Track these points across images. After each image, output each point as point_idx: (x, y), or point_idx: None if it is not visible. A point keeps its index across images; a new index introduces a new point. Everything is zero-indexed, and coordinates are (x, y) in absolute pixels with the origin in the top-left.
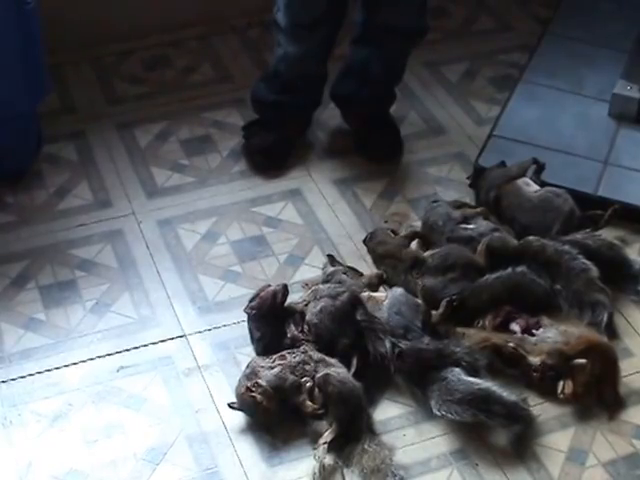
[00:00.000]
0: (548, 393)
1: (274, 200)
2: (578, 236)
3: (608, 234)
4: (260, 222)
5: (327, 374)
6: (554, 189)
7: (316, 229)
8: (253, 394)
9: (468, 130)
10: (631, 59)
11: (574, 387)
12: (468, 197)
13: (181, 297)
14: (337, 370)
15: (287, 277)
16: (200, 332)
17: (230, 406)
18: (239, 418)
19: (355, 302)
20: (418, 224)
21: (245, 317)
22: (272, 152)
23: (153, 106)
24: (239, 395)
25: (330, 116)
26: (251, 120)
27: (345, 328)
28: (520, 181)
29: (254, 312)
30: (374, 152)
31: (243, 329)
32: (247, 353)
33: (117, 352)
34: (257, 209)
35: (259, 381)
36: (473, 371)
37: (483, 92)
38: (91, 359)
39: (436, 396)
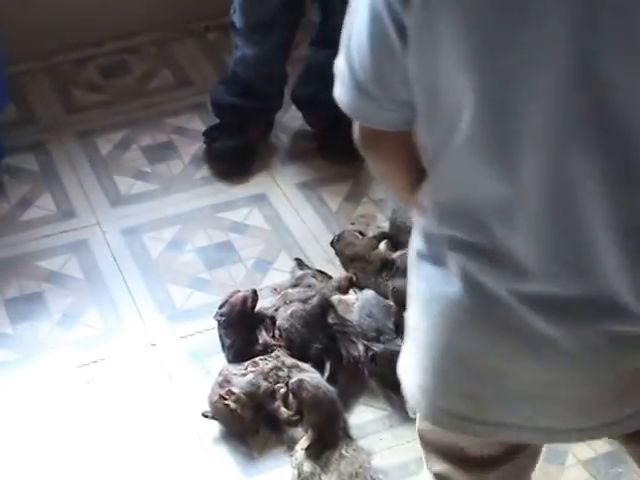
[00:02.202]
0: None
1: (239, 205)
2: None
3: None
4: (226, 228)
5: (301, 380)
6: None
7: (283, 233)
8: (227, 402)
9: None
10: None
11: None
12: None
13: (149, 306)
14: (311, 375)
15: (256, 283)
16: (170, 341)
17: (204, 415)
18: (213, 427)
19: (326, 306)
20: (386, 225)
21: (215, 325)
22: (235, 157)
23: (113, 114)
24: (212, 403)
25: (292, 118)
26: (212, 125)
27: (317, 332)
28: None
29: (224, 319)
30: (338, 154)
31: (213, 337)
32: (218, 361)
33: (87, 364)
34: (222, 215)
35: (232, 389)
36: None
37: None
38: (59, 372)
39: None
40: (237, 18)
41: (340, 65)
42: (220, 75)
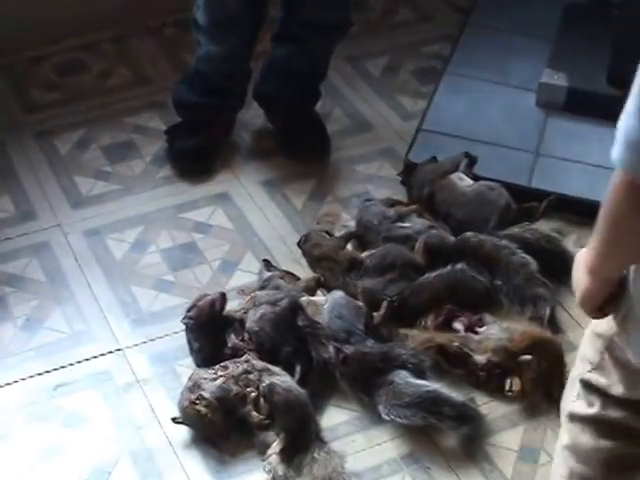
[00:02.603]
0: (494, 391)
1: (202, 205)
2: (516, 230)
3: (544, 226)
4: (190, 228)
5: (272, 383)
6: (489, 183)
7: (248, 233)
8: (197, 407)
9: (395, 125)
10: (556, 47)
11: (522, 384)
12: (400, 194)
13: (115, 310)
14: (282, 379)
15: (222, 284)
16: (137, 345)
17: (174, 420)
18: (183, 432)
19: (296, 308)
20: (351, 224)
21: (182, 327)
22: (197, 156)
23: (71, 113)
24: (183, 409)
25: (253, 116)
26: (174, 124)
27: (287, 335)
28: (453, 176)
29: (192, 322)
30: (301, 152)
31: (181, 340)
32: (186, 365)
33: (53, 370)
34: (185, 215)
35: (203, 393)
36: (419, 373)
37: (407, 86)
38: (25, 379)
39: (384, 401)
40: (200, 15)
41: (632, 134)
42: (179, 72)
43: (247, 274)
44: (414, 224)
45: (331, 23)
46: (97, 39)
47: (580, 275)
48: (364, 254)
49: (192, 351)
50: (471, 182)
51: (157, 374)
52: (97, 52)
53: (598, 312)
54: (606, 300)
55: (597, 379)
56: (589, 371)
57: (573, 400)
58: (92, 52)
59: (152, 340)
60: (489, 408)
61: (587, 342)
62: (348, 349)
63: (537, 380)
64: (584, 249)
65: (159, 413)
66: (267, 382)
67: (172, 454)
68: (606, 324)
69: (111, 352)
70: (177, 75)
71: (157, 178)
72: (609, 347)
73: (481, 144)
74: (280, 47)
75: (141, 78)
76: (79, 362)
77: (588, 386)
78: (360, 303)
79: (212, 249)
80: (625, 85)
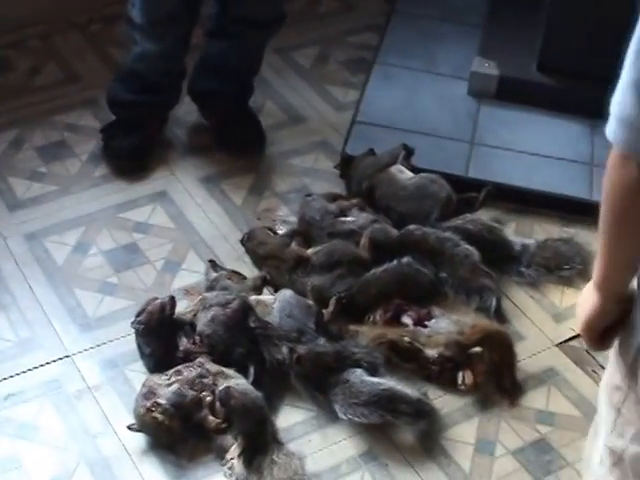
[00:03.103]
0: (447, 385)
1: (141, 204)
2: (458, 221)
3: (483, 216)
4: (130, 228)
5: (228, 387)
6: (429, 175)
7: (189, 232)
8: (154, 414)
9: (328, 117)
10: (485, 35)
11: (474, 377)
12: (338, 187)
13: (60, 315)
14: (237, 382)
15: (166, 285)
16: (85, 350)
17: (130, 428)
18: (139, 439)
19: (246, 309)
20: (292, 219)
21: (130, 330)
22: (134, 154)
23: (0, 113)
24: (139, 416)
25: (186, 112)
26: (109, 122)
27: (239, 337)
28: (393, 169)
29: (142, 327)
30: (237, 147)
31: (130, 344)
32: (137, 369)
33: (2, 379)
34: (125, 215)
35: (158, 400)
36: (373, 370)
37: (337, 76)
38: None
39: (340, 400)
40: (136, 14)
41: (625, 107)
42: (108, 68)
43: (191, 274)
44: (357, 218)
45: (265, 18)
46: (23, 36)
47: (586, 297)
48: (310, 251)
49: (143, 356)
50: (411, 174)
51: (108, 380)
52: (23, 50)
53: (600, 340)
54: (609, 328)
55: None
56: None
57: (597, 464)
58: (18, 50)
59: (100, 345)
60: (443, 402)
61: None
62: (301, 349)
63: (489, 372)
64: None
65: (113, 420)
66: (223, 386)
67: (129, 462)
68: (619, 374)
69: (60, 359)
70: (106, 71)
71: (94, 177)
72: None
73: (416, 135)
74: (214, 43)
75: (70, 75)
76: (28, 370)
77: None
78: (310, 301)
79: (154, 249)
80: (555, 72)
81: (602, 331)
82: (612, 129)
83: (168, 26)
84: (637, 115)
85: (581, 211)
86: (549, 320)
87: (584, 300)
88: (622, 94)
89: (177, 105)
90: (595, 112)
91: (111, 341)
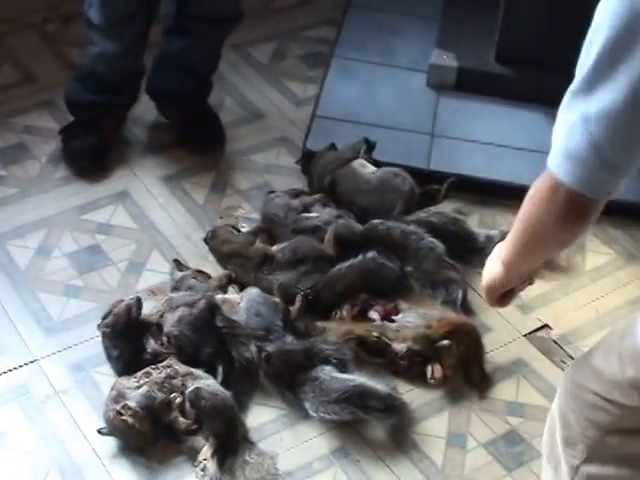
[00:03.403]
0: (416, 379)
1: (103, 205)
2: (422, 214)
3: (446, 208)
4: (92, 230)
5: (198, 388)
6: (392, 169)
7: (152, 232)
8: (124, 417)
9: (287, 112)
10: (442, 27)
11: (443, 370)
12: (300, 183)
13: (25, 319)
14: (207, 382)
15: (131, 286)
16: (51, 355)
17: (100, 432)
18: (110, 442)
19: (213, 308)
20: (255, 216)
21: (95, 333)
22: (94, 154)
23: None
24: (109, 420)
25: (144, 111)
26: (68, 123)
27: (207, 337)
28: (355, 163)
29: (109, 330)
30: (197, 145)
31: (96, 346)
32: (105, 372)
33: None
34: (87, 216)
35: (128, 403)
36: (342, 366)
37: (295, 71)
38: None
39: (311, 397)
40: (94, 14)
41: (575, 147)
42: (64, 68)
43: (156, 274)
44: (321, 214)
45: (222, 15)
46: None
47: (493, 264)
48: (274, 248)
49: (111, 358)
50: (373, 168)
51: (76, 384)
52: None
53: (500, 300)
54: (510, 291)
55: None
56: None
57: None
58: None
59: (67, 349)
60: (412, 396)
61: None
62: (270, 347)
63: (457, 365)
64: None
65: (82, 424)
66: (192, 387)
67: (100, 466)
68: None
69: (26, 364)
70: (63, 71)
71: (54, 179)
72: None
73: (377, 128)
74: (172, 41)
75: (26, 76)
76: None
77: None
78: (276, 299)
79: (117, 250)
80: (513, 62)
81: (501, 294)
82: (558, 162)
83: (126, 26)
84: (588, 150)
85: None
86: (515, 311)
87: (490, 267)
88: (570, 129)
89: (136, 104)
90: (554, 101)
91: (77, 344)
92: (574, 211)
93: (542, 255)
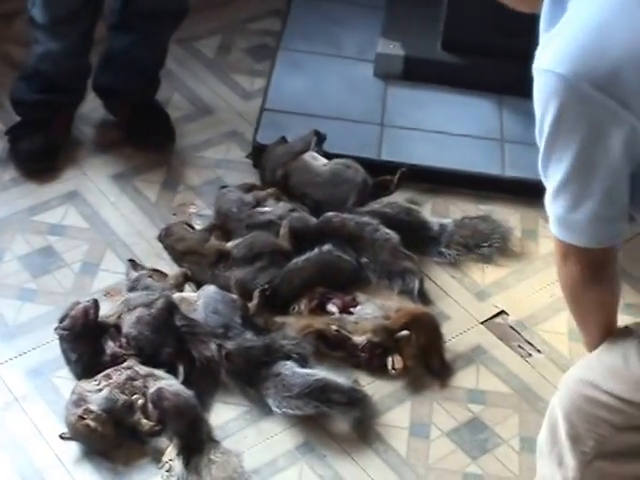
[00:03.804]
0: (377, 371)
1: (53, 206)
2: (375, 205)
3: (399, 198)
4: (44, 231)
5: (160, 389)
6: (343, 160)
7: (104, 231)
8: (86, 422)
9: (236, 106)
10: (388, 16)
11: (403, 361)
12: (253, 177)
13: None
14: (169, 382)
15: (86, 287)
16: (9, 360)
17: (62, 437)
18: (72, 447)
19: (171, 307)
20: (208, 212)
21: (53, 337)
22: (42, 155)
23: None
24: (71, 425)
25: (92, 109)
26: (14, 123)
27: (166, 336)
28: (306, 156)
29: (67, 333)
30: (146, 142)
31: (54, 350)
32: (64, 376)
33: None
34: (38, 218)
35: (89, 407)
36: (303, 361)
37: (242, 65)
38: None
39: (273, 393)
40: (37, 13)
41: (581, 224)
42: (8, 67)
43: (111, 274)
44: (275, 208)
45: (168, 10)
46: None
47: None
48: (229, 244)
49: (69, 362)
50: (325, 161)
51: (35, 389)
52: None
53: None
54: None
55: None
56: None
57: None
58: None
59: (24, 354)
60: (374, 388)
61: None
62: (230, 344)
63: (417, 355)
64: None
65: (44, 430)
66: (154, 388)
67: (64, 471)
68: None
69: None
70: (6, 70)
71: (3, 181)
72: None
73: (326, 120)
74: (118, 37)
75: None
76: None
77: None
78: (234, 296)
79: (70, 251)
80: (460, 50)
81: None
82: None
83: (70, 24)
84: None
85: (495, 187)
86: (472, 299)
87: None
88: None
89: (83, 102)
90: (501, 88)
91: (35, 349)
92: (594, 267)
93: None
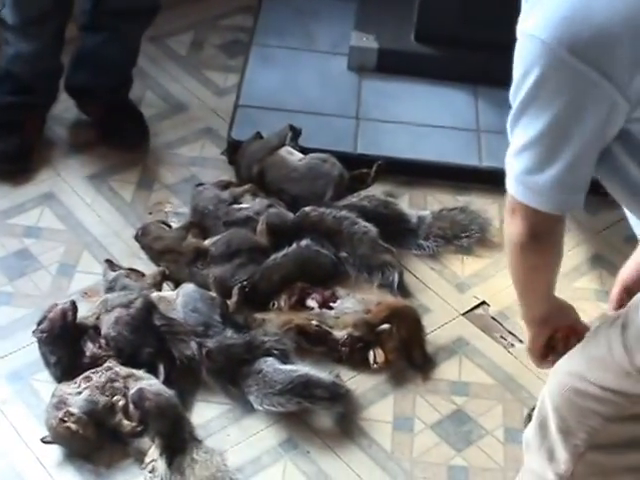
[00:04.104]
0: (358, 365)
1: (28, 208)
2: (353, 199)
3: (376, 191)
4: (20, 234)
5: (141, 389)
6: (319, 155)
7: (80, 232)
8: (67, 424)
9: (210, 103)
10: (361, 9)
11: (385, 354)
12: (228, 174)
13: None
14: (149, 382)
15: (63, 289)
16: None
17: (43, 441)
18: (54, 450)
19: (150, 307)
20: (184, 210)
21: (31, 340)
22: (16, 157)
23: None
24: (52, 428)
25: (64, 109)
26: None
27: (145, 336)
28: (282, 151)
29: (45, 335)
30: (120, 141)
31: (33, 353)
32: (44, 379)
33: None
34: (13, 220)
35: (70, 409)
36: (284, 357)
37: (215, 61)
38: None
39: (255, 391)
40: (8, 14)
41: (541, 186)
42: None
43: (88, 275)
44: (251, 205)
45: (139, 9)
46: None
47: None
48: (207, 242)
49: (49, 365)
50: (301, 155)
51: (14, 393)
52: None
53: (544, 361)
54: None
55: None
56: None
57: None
58: None
59: (2, 357)
60: (356, 382)
61: None
62: (210, 343)
63: (398, 348)
64: None
65: (25, 434)
66: (135, 388)
67: (46, 475)
68: None
69: None
70: None
71: None
72: None
73: (301, 114)
74: (90, 37)
75: None
76: None
77: None
78: (213, 294)
79: (47, 253)
80: (433, 41)
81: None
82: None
83: (41, 24)
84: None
85: (473, 178)
86: (452, 290)
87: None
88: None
89: (55, 103)
90: (476, 78)
91: (13, 352)
92: (544, 228)
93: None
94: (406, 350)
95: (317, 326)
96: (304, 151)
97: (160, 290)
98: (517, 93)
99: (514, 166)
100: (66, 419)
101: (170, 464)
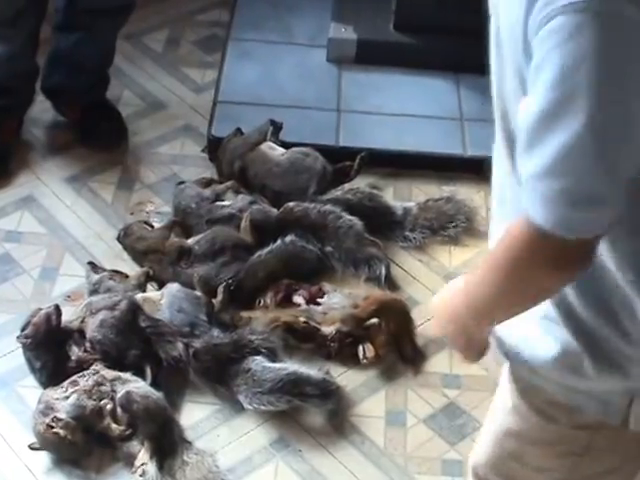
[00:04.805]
0: (348, 361)
1: (8, 212)
2: (337, 193)
3: (360, 184)
4: (0, 238)
5: (128, 392)
6: (301, 149)
7: (62, 235)
8: (55, 430)
9: (188, 100)
10: (338, 0)
11: (375, 349)
12: (210, 171)
13: None
14: (137, 385)
15: (46, 293)
16: None
17: (31, 447)
18: (42, 457)
19: (135, 309)
20: (166, 209)
21: (15, 346)
22: None
23: None
24: (39, 434)
25: (41, 110)
26: None
27: (131, 338)
28: (264, 146)
29: (29, 340)
30: (99, 141)
31: (17, 359)
32: (29, 384)
33: None
34: None
35: (58, 415)
36: (273, 355)
37: (192, 57)
38: None
39: (244, 390)
40: None
41: (548, 190)
42: None
43: (71, 278)
44: (234, 202)
45: (114, 7)
46: None
47: (463, 321)
48: (190, 241)
49: (34, 370)
50: (282, 150)
51: (0, 400)
52: None
53: (480, 355)
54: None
55: None
56: None
57: None
58: None
59: None
60: (347, 378)
61: None
62: (197, 343)
63: (388, 342)
64: (457, 285)
65: (12, 441)
66: (122, 391)
67: None
68: None
69: None
70: None
71: None
72: None
73: (281, 108)
74: (65, 37)
75: None
76: None
77: None
78: (198, 293)
79: (28, 257)
80: (412, 30)
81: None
82: (549, 214)
83: (15, 26)
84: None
85: (457, 167)
86: (440, 282)
87: (461, 324)
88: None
89: (32, 104)
90: (457, 66)
91: None
92: (584, 255)
93: (522, 304)
94: (396, 344)
95: (305, 323)
96: (286, 145)
97: (144, 291)
98: (562, 84)
99: (551, 186)
100: (54, 425)
101: (161, 467)
